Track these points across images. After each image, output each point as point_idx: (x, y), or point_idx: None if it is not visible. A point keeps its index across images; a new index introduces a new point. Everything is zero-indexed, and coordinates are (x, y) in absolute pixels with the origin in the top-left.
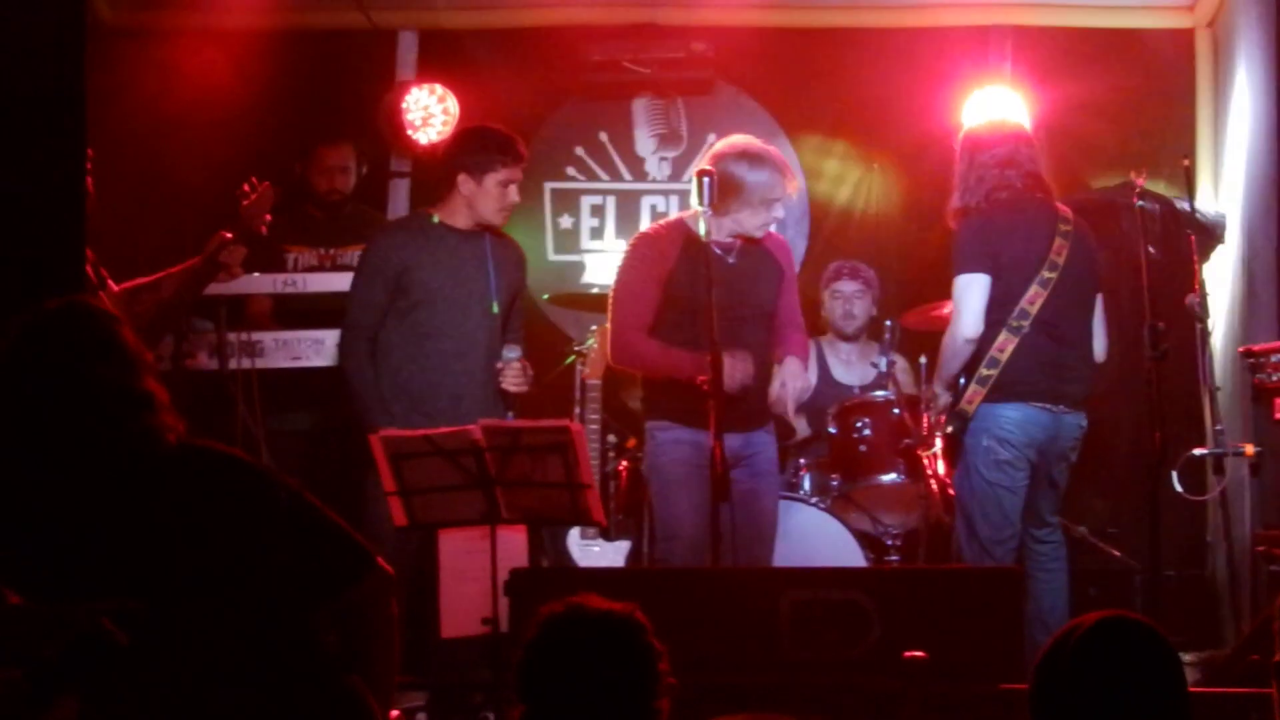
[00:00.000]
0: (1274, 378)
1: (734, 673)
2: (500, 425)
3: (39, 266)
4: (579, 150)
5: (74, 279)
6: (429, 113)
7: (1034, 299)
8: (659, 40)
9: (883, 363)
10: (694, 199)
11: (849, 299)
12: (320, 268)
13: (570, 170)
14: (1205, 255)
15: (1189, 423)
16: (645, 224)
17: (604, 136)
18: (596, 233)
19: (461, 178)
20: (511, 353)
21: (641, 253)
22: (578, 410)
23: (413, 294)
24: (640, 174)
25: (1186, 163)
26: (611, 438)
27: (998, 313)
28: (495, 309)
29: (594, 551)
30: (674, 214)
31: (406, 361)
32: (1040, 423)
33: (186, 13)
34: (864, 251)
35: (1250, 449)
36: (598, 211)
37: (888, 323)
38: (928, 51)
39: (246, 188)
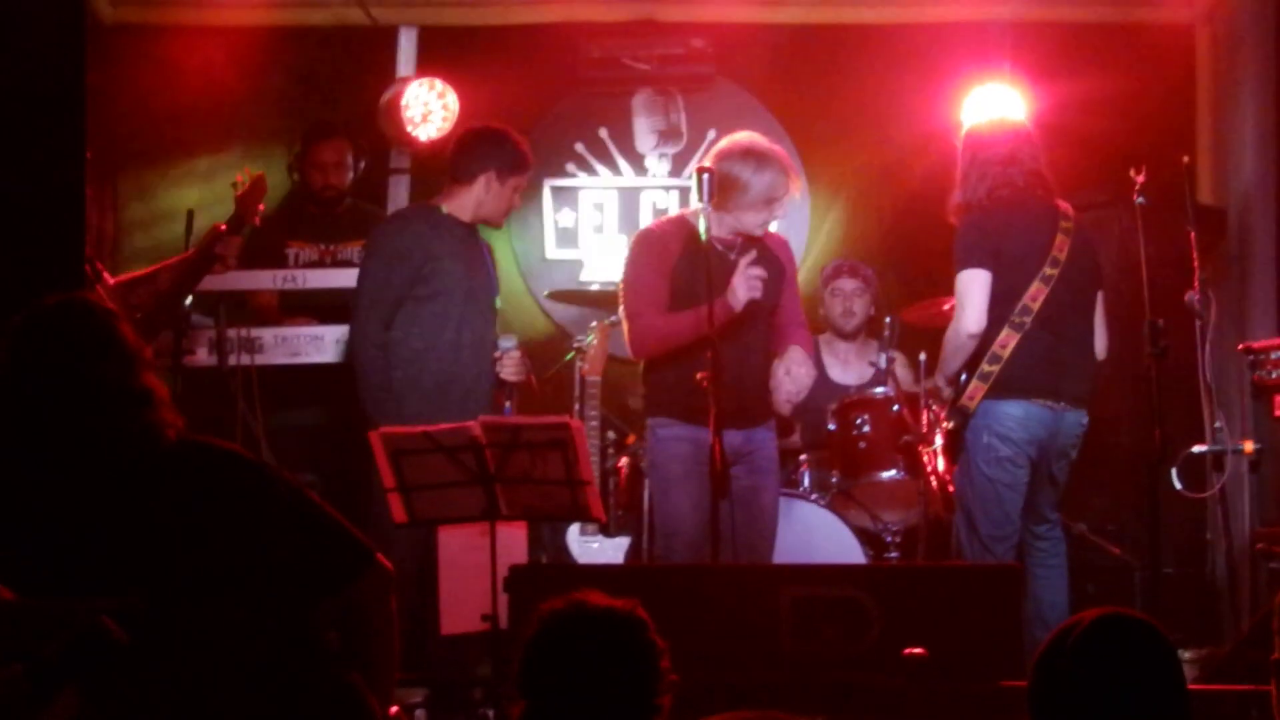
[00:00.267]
0: (1273, 374)
1: (734, 670)
2: (500, 422)
3: (38, 263)
4: (579, 146)
5: (73, 275)
6: (429, 109)
7: (1036, 295)
8: (659, 36)
9: (882, 360)
10: (694, 196)
11: (848, 296)
12: (320, 263)
13: (570, 167)
14: (1205, 252)
15: (1188, 420)
16: (645, 220)
17: (604, 133)
18: (597, 229)
19: (488, 176)
20: (508, 342)
21: (646, 248)
22: (577, 407)
23: (434, 283)
24: (640, 170)
25: (1186, 159)
26: (611, 434)
27: (999, 309)
28: (498, 302)
29: (593, 548)
30: (674, 210)
31: (423, 352)
32: (1041, 419)
33: (186, 9)
34: (863, 249)
35: (1250, 446)
36: (598, 208)
37: (887, 319)
38: (927, 47)
39: (240, 178)
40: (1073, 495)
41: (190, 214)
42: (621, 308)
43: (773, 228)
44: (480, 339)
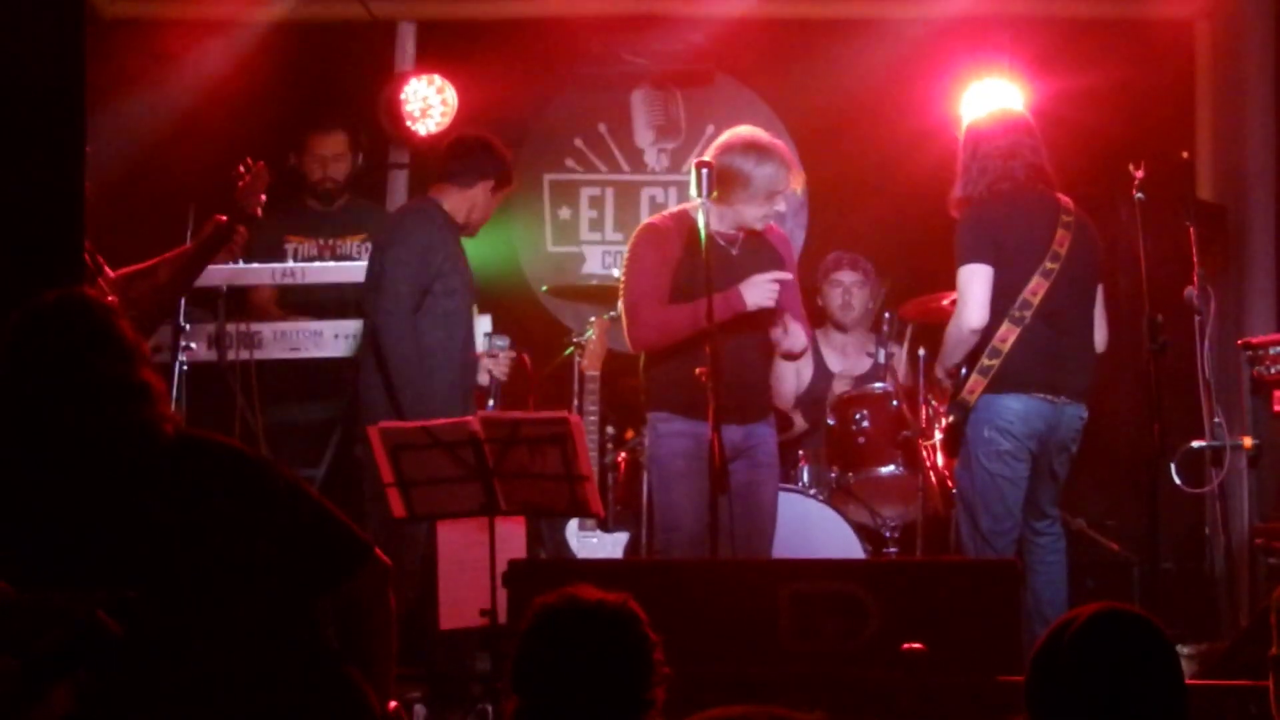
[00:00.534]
0: (1272, 370)
1: (732, 664)
2: (499, 417)
3: (37, 257)
4: (578, 142)
5: (73, 270)
6: (427, 104)
7: (1036, 290)
8: (658, 32)
9: (880, 354)
10: (692, 190)
11: (848, 289)
12: (320, 258)
13: (569, 162)
14: (1204, 247)
15: (1187, 415)
16: (644, 215)
17: (603, 128)
18: (595, 224)
19: (487, 185)
20: (502, 341)
21: (647, 242)
22: (576, 402)
23: (451, 280)
24: (639, 165)
25: (1186, 154)
26: (610, 429)
27: (999, 303)
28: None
29: (592, 543)
30: (673, 205)
31: (445, 346)
32: (1041, 414)
33: (186, 4)
34: (862, 243)
35: (1249, 441)
36: (596, 203)
37: (886, 314)
38: (927, 42)
39: (241, 169)
40: (1072, 491)
41: (192, 208)
42: (621, 301)
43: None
44: (470, 338)
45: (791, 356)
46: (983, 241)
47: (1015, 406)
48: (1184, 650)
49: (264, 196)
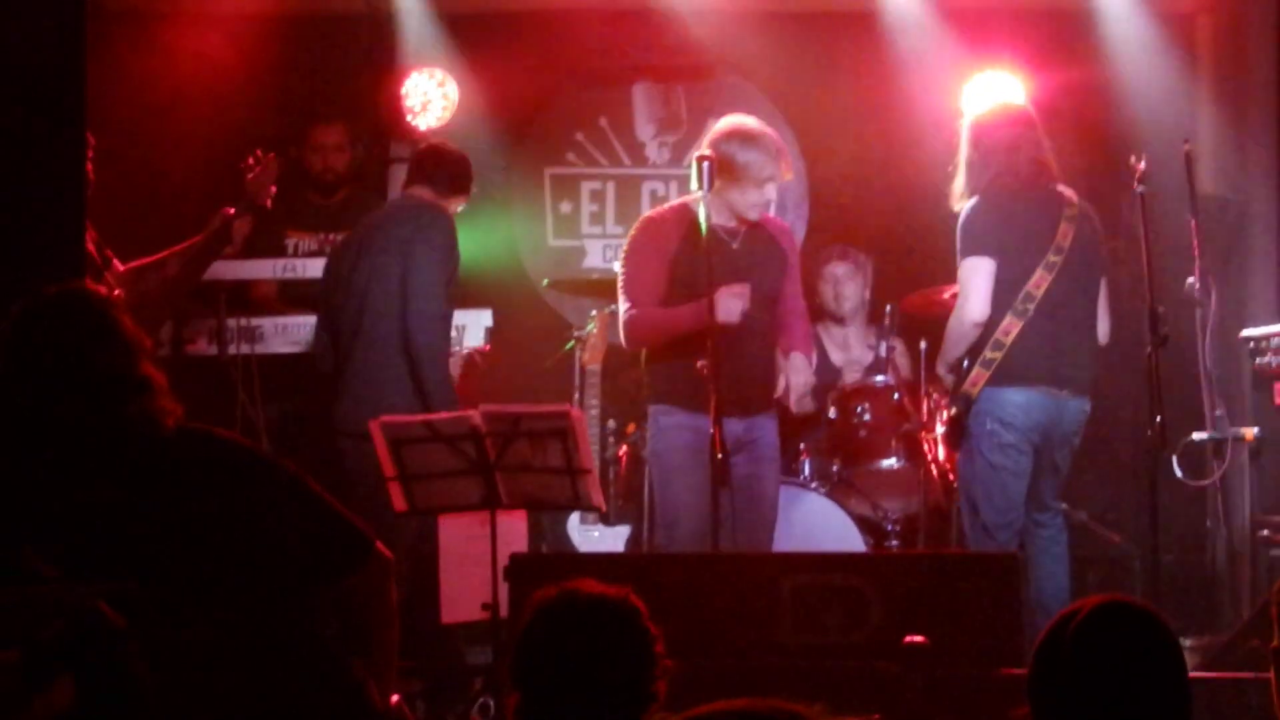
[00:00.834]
0: (1274, 362)
1: (734, 657)
2: (500, 410)
3: (38, 251)
4: (579, 136)
5: (74, 263)
6: (428, 98)
7: (1039, 283)
8: (659, 26)
9: (881, 347)
10: (693, 183)
11: (840, 281)
12: (320, 253)
13: (570, 155)
14: (1205, 240)
15: (1189, 408)
16: (645, 209)
17: (604, 122)
18: (596, 218)
19: (460, 200)
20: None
21: (646, 236)
22: (577, 395)
23: (455, 285)
24: (640, 159)
25: (1187, 147)
26: (611, 423)
27: (1003, 296)
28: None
29: (594, 537)
30: (674, 199)
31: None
32: (1044, 407)
33: None
34: (864, 237)
35: (1250, 434)
36: (597, 197)
37: (888, 307)
38: (928, 35)
39: (251, 160)
40: (1073, 483)
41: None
42: (619, 295)
43: (771, 212)
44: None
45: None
46: (985, 235)
47: (1018, 399)
48: (1185, 642)
49: (274, 187)
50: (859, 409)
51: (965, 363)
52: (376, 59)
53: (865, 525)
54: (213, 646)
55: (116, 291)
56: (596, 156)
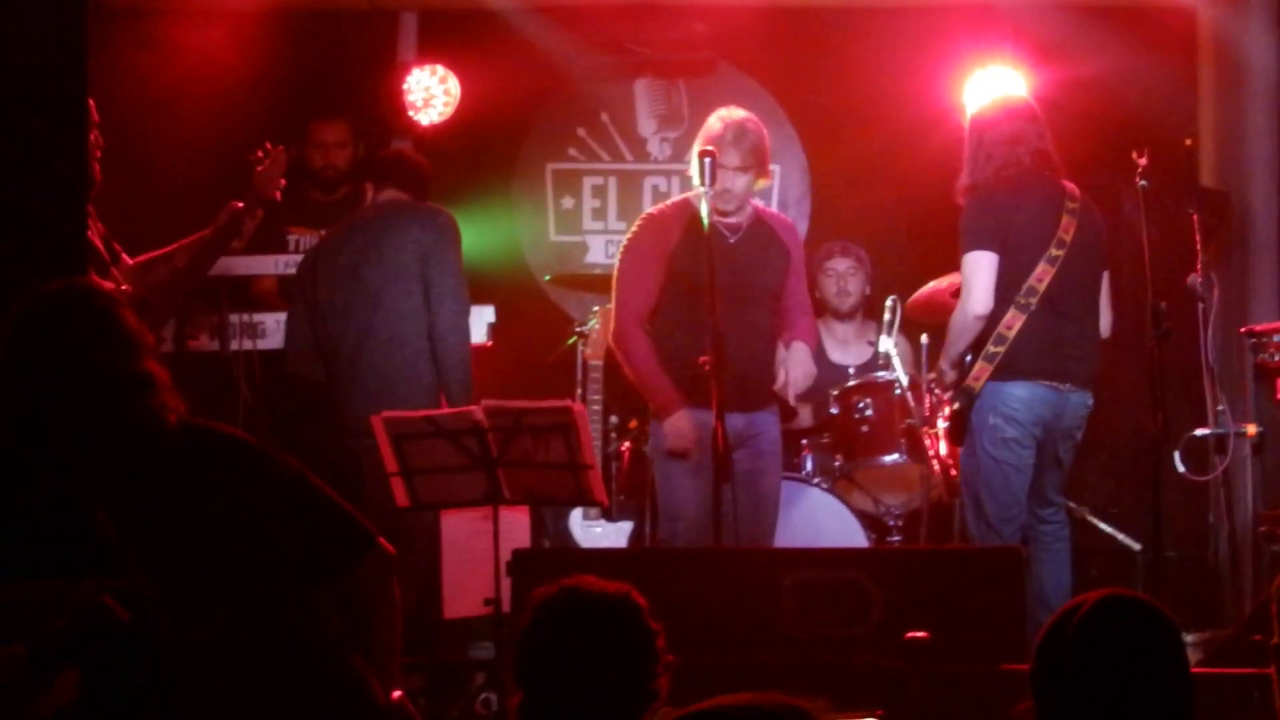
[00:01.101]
0: (1276, 358)
1: (736, 653)
2: (503, 406)
3: (39, 248)
4: (580, 131)
5: (75, 260)
6: (430, 94)
7: (1042, 276)
8: (660, 21)
9: (882, 342)
10: (695, 180)
11: (842, 276)
12: None
13: (572, 151)
14: (1207, 235)
15: (1191, 403)
16: (647, 205)
17: (605, 117)
18: (598, 213)
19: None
20: None
21: (644, 233)
22: (580, 391)
23: None
24: (642, 155)
25: (1189, 142)
26: (613, 418)
27: (1005, 290)
28: None
29: (596, 532)
30: (675, 195)
31: None
32: (1046, 401)
33: None
34: (865, 231)
35: (1252, 429)
36: (599, 192)
37: (889, 302)
38: (929, 30)
39: (260, 154)
40: (1076, 478)
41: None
42: (613, 293)
43: (774, 205)
44: None
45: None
46: (988, 229)
47: (1021, 394)
48: (1188, 638)
49: (283, 181)
50: (861, 404)
51: (968, 357)
52: (378, 55)
53: (867, 521)
54: (215, 642)
55: (123, 286)
56: (598, 152)
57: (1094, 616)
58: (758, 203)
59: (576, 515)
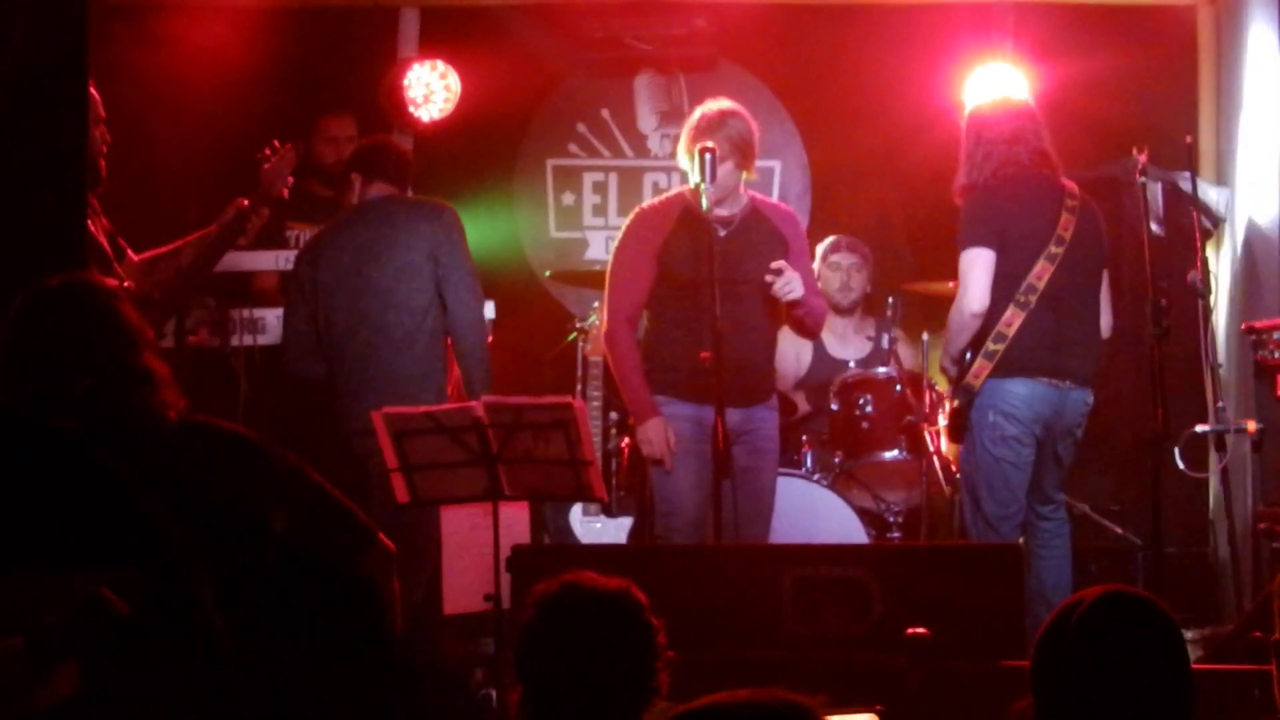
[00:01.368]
0: (1276, 354)
1: (736, 649)
2: (503, 402)
3: (40, 244)
4: (581, 127)
5: (76, 256)
6: (431, 90)
7: (1041, 274)
8: (661, 17)
9: (884, 339)
10: (693, 175)
11: (847, 271)
12: None
13: (572, 147)
14: (1207, 233)
15: (1191, 399)
16: (647, 200)
17: (606, 113)
18: (599, 209)
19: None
20: None
21: (637, 227)
22: (580, 387)
23: None
24: (642, 151)
25: (1189, 140)
26: (613, 414)
27: (1005, 288)
28: None
29: (596, 528)
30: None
31: None
32: (1047, 398)
33: None
34: (865, 228)
35: (1252, 426)
36: (600, 188)
37: (890, 299)
38: (930, 27)
39: (268, 150)
40: (1075, 475)
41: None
42: (605, 288)
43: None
44: None
45: (795, 315)
46: (986, 226)
47: (1020, 391)
48: (1188, 634)
49: (291, 178)
50: (861, 401)
51: (968, 355)
52: (379, 50)
53: (867, 517)
54: (214, 637)
55: (127, 283)
56: (599, 148)
57: (1094, 613)
58: (755, 194)
59: (576, 511)
